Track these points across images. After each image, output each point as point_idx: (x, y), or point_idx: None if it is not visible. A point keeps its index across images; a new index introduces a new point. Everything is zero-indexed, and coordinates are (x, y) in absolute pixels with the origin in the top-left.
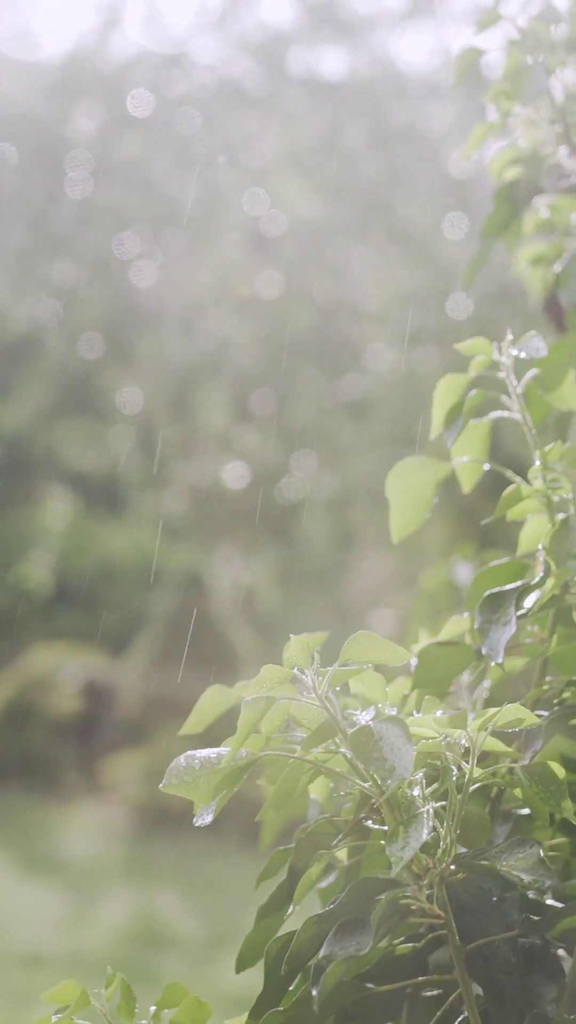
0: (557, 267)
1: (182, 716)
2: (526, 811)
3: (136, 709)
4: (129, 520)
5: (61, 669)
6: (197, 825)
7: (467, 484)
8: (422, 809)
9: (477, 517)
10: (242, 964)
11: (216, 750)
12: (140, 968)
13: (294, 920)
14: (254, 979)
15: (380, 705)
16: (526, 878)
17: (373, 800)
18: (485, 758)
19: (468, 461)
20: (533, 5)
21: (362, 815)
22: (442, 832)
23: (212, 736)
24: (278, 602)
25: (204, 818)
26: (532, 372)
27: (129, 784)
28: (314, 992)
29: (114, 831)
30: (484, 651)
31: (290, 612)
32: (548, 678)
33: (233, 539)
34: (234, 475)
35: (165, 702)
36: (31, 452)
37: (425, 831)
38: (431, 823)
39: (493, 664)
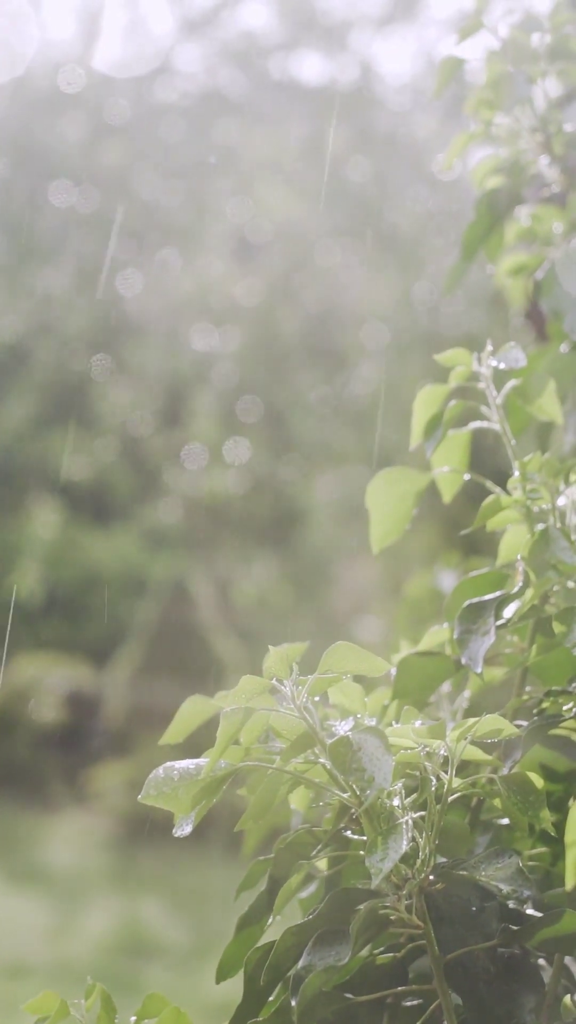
0: (538, 275)
1: (167, 726)
2: (507, 821)
3: (121, 719)
4: (116, 530)
5: (46, 679)
6: (177, 836)
7: (447, 494)
8: (401, 820)
9: (466, 525)
10: (222, 974)
11: (195, 761)
12: (125, 977)
13: (275, 930)
14: (238, 988)
15: (359, 715)
16: (505, 888)
17: (352, 810)
18: (465, 768)
19: (448, 471)
20: (515, 14)
21: (341, 825)
22: (421, 842)
23: (198, 746)
24: (265, 611)
25: (183, 829)
26: (512, 382)
27: (114, 794)
28: (293, 1002)
29: (99, 840)
30: (464, 661)
31: (278, 621)
32: (528, 688)
33: (220, 548)
34: (222, 484)
35: (150, 712)
36: (19, 462)
37: (404, 842)
38: (410, 834)
39: (473, 674)
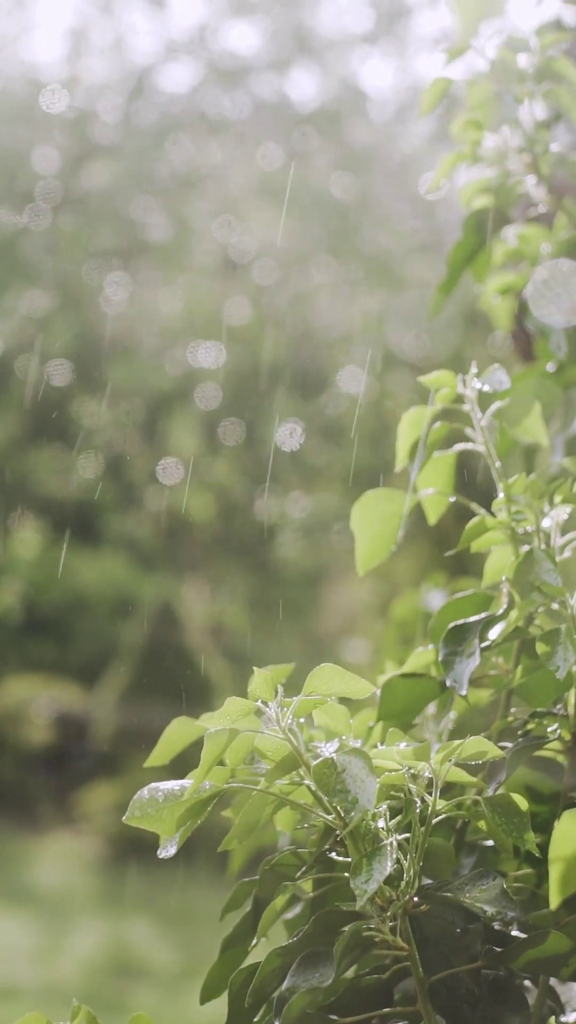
0: (525, 294)
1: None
2: (492, 842)
3: (109, 740)
4: (101, 549)
5: (33, 701)
6: (161, 857)
7: (432, 516)
8: (386, 841)
9: (453, 546)
10: (206, 995)
11: (180, 782)
12: (111, 998)
13: (260, 951)
14: (223, 1009)
15: (344, 737)
16: (489, 910)
17: (337, 832)
18: (450, 790)
19: (433, 493)
20: (501, 35)
21: (326, 847)
22: (406, 864)
23: (185, 767)
24: (252, 632)
25: (168, 850)
26: (497, 404)
27: (102, 815)
28: None
29: (87, 862)
30: (449, 683)
31: (265, 642)
32: (513, 709)
33: (206, 568)
34: (207, 503)
35: (138, 733)
36: (1, 480)
37: (388, 864)
38: (395, 855)
39: (458, 696)
